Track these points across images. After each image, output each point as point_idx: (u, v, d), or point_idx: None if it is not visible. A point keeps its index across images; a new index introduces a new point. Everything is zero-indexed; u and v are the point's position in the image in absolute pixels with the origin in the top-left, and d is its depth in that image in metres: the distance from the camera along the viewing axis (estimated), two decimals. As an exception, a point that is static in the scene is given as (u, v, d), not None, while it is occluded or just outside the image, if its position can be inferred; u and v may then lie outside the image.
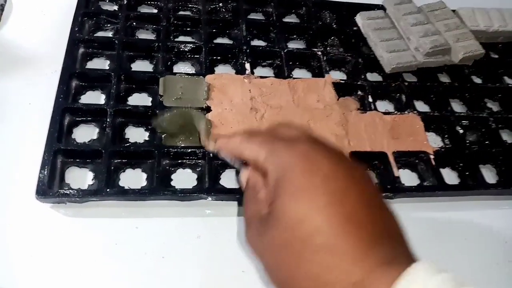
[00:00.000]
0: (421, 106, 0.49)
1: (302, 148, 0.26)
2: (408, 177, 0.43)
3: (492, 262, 0.39)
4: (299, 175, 0.25)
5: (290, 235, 0.24)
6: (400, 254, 0.24)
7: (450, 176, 0.43)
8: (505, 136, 0.48)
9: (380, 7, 0.55)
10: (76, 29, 0.45)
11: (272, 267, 0.26)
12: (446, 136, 0.47)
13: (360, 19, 0.53)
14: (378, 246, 0.23)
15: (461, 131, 0.46)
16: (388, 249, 0.23)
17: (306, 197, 0.24)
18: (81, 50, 0.44)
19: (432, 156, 0.43)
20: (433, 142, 0.45)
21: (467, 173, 0.43)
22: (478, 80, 0.53)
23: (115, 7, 0.50)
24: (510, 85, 0.53)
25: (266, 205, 0.27)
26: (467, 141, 0.46)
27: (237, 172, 0.39)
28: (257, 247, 0.27)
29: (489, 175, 0.44)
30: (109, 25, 0.48)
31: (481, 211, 0.42)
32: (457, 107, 0.50)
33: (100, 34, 0.47)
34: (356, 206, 0.24)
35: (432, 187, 0.41)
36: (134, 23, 0.48)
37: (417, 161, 0.44)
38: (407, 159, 0.43)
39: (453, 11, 0.54)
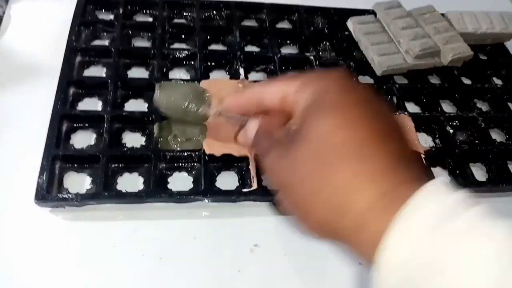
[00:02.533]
0: (412, 107, 0.50)
1: (337, 74, 0.26)
2: (400, 177, 0.43)
3: (483, 258, 0.40)
4: (335, 95, 0.25)
5: (320, 145, 0.23)
6: (424, 176, 0.23)
7: (441, 175, 0.44)
8: (495, 135, 0.49)
9: (371, 12, 0.56)
10: (73, 38, 0.46)
11: (295, 182, 0.24)
12: (436, 136, 0.48)
13: (351, 24, 0.54)
14: (406, 164, 0.23)
15: (451, 131, 0.47)
16: (414, 169, 0.23)
17: (340, 113, 0.24)
18: (78, 58, 0.46)
19: (423, 156, 0.44)
20: (424, 142, 0.46)
21: (458, 171, 0.44)
22: (467, 81, 0.54)
23: (111, 16, 0.51)
24: (498, 86, 0.54)
25: (286, 137, 0.26)
26: (457, 141, 0.46)
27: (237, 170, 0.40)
28: (280, 167, 0.26)
29: (479, 173, 0.45)
30: (105, 33, 0.49)
31: (472, 209, 0.43)
32: (447, 107, 0.51)
33: (96, 42, 0.48)
34: (386, 126, 0.24)
35: (423, 186, 0.42)
36: (130, 31, 0.49)
37: (408, 161, 0.44)
38: (398, 159, 0.44)
39: (442, 14, 0.56)
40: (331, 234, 0.24)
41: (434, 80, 0.53)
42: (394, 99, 0.49)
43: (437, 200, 0.21)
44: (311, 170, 0.24)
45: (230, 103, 0.31)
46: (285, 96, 0.27)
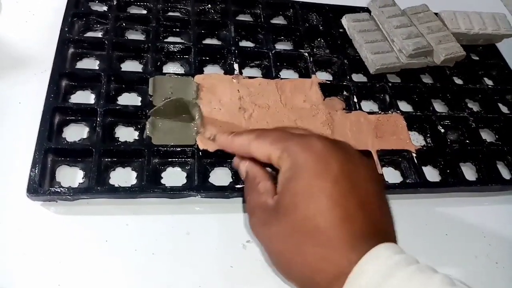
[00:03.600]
0: (404, 106, 0.50)
1: (316, 147, 0.29)
2: (391, 175, 0.44)
3: (471, 255, 0.41)
4: (311, 178, 0.28)
5: (295, 229, 0.27)
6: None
7: (431, 174, 0.45)
8: (485, 135, 0.50)
9: (365, 10, 0.56)
10: (66, 29, 0.45)
11: (276, 252, 0.29)
12: (428, 135, 0.48)
13: (345, 21, 0.54)
14: (369, 241, 0.26)
15: (442, 130, 0.47)
16: (374, 240, 0.26)
17: (314, 199, 0.27)
18: (71, 50, 0.45)
19: (414, 155, 0.44)
20: (416, 141, 0.47)
21: (448, 170, 0.45)
22: (459, 81, 0.55)
23: (105, 8, 0.50)
24: (489, 86, 0.54)
25: (269, 196, 0.30)
26: (448, 140, 0.47)
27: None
28: (261, 234, 0.30)
29: (469, 172, 0.46)
30: (98, 25, 0.48)
31: (461, 207, 0.44)
32: (439, 107, 0.51)
33: (90, 34, 0.48)
34: (354, 208, 0.27)
35: (414, 184, 0.43)
36: (124, 24, 0.49)
37: (400, 159, 0.45)
38: (390, 157, 0.45)
39: (436, 14, 0.56)
40: None
41: (427, 79, 0.54)
42: (387, 97, 0.49)
43: (376, 263, 0.25)
44: (287, 248, 0.28)
45: (222, 143, 0.35)
46: (269, 158, 0.30)
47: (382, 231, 0.28)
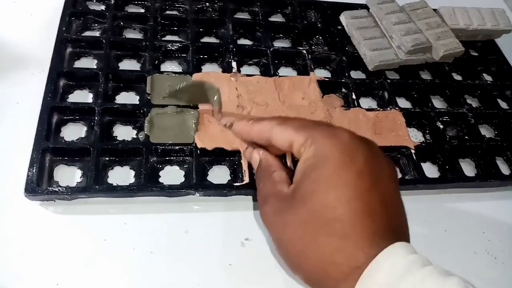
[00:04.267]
0: (403, 103, 0.50)
1: (342, 138, 0.28)
2: (390, 172, 0.44)
3: (470, 251, 0.40)
4: (335, 167, 0.27)
5: (313, 217, 0.26)
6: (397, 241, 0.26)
7: (430, 170, 0.45)
8: (484, 131, 0.50)
9: (364, 7, 0.56)
10: (64, 28, 0.45)
11: (287, 242, 0.28)
12: (427, 131, 0.48)
13: (344, 18, 0.54)
14: (386, 239, 0.25)
15: (441, 126, 0.47)
16: (391, 238, 0.26)
17: (336, 189, 0.26)
18: (69, 49, 0.45)
19: (413, 151, 0.44)
20: (415, 137, 0.47)
21: (447, 166, 0.45)
22: (458, 77, 0.55)
23: (103, 7, 0.50)
24: (489, 82, 0.54)
25: (285, 185, 0.29)
26: (447, 136, 0.47)
27: (228, 166, 0.40)
28: (274, 223, 0.29)
29: (468, 168, 0.46)
30: (96, 24, 0.48)
31: (460, 203, 0.43)
32: (438, 103, 0.51)
33: (87, 33, 0.48)
34: (376, 203, 0.26)
35: (413, 180, 0.43)
36: (122, 23, 0.49)
37: (399, 155, 0.45)
38: (389, 153, 0.45)
39: (434, 10, 0.56)
40: None
41: (425, 75, 0.54)
42: (386, 94, 0.49)
43: (392, 261, 0.24)
44: (301, 237, 0.27)
45: (240, 129, 0.34)
46: (291, 145, 0.30)
47: (399, 230, 0.27)
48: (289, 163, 0.37)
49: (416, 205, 0.42)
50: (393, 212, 0.27)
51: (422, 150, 0.45)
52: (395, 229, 0.27)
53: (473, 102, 0.53)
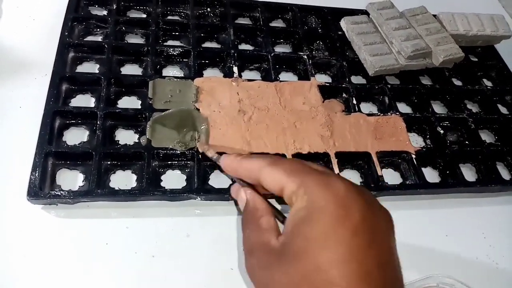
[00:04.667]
0: (404, 108, 0.50)
1: (337, 189, 0.26)
2: (391, 176, 0.44)
3: (472, 256, 0.40)
4: (329, 223, 0.24)
5: (304, 280, 0.24)
6: None
7: (431, 175, 0.45)
8: (484, 136, 0.50)
9: (364, 12, 0.56)
10: (66, 33, 0.45)
11: None
12: (427, 136, 0.48)
13: (344, 23, 0.54)
14: None
15: (441, 131, 0.48)
16: None
17: (329, 248, 0.24)
18: (71, 54, 0.45)
19: (414, 156, 0.44)
20: (415, 142, 0.47)
21: (448, 171, 0.45)
22: (458, 82, 0.55)
23: (105, 12, 0.50)
24: (488, 87, 0.55)
25: (273, 235, 0.27)
26: (447, 141, 0.47)
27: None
28: (261, 278, 0.26)
29: (468, 173, 0.46)
30: (98, 29, 0.48)
31: (461, 208, 0.44)
32: (438, 108, 0.51)
33: (89, 38, 0.48)
34: (373, 266, 0.24)
35: (414, 185, 0.43)
36: (124, 28, 0.49)
37: (399, 160, 0.45)
38: (390, 158, 0.45)
39: (434, 15, 0.56)
40: None
41: (426, 81, 0.54)
42: (386, 99, 0.50)
43: None
44: None
45: (227, 165, 0.31)
46: (282, 190, 0.27)
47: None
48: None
49: (417, 210, 0.43)
50: (389, 275, 0.25)
51: (422, 155, 0.45)
52: None
53: (473, 107, 0.53)
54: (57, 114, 0.40)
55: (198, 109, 0.42)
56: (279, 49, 0.52)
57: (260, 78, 0.48)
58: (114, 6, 0.50)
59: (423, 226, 0.42)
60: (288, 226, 0.26)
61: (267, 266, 0.26)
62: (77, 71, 0.45)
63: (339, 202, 0.25)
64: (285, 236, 0.26)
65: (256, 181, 0.29)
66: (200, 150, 0.39)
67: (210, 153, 0.36)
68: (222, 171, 0.34)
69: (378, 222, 0.26)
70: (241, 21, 0.55)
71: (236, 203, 0.37)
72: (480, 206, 0.44)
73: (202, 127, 0.41)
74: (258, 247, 0.27)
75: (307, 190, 0.26)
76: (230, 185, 0.34)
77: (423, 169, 0.44)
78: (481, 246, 0.41)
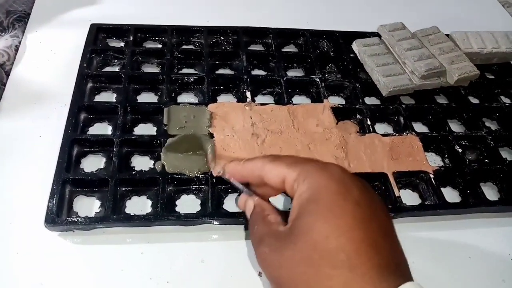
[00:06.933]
0: (420, 127, 0.50)
1: (335, 171, 0.28)
2: (409, 197, 0.43)
3: (498, 279, 0.39)
4: (331, 197, 0.26)
5: (313, 250, 0.25)
6: (406, 281, 0.25)
7: (451, 195, 0.44)
8: (505, 154, 0.48)
9: (375, 35, 0.57)
10: (85, 65, 0.47)
11: (288, 279, 0.26)
12: (445, 155, 0.47)
13: (356, 46, 0.55)
14: (392, 272, 0.24)
15: (460, 150, 0.46)
16: (398, 275, 0.24)
17: (335, 218, 0.25)
18: (90, 84, 0.47)
19: (432, 176, 0.43)
20: (433, 161, 0.46)
21: (468, 191, 0.44)
22: (475, 100, 0.54)
23: (122, 44, 0.52)
24: (507, 104, 0.53)
25: (281, 225, 0.28)
26: (466, 160, 0.46)
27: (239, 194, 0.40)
28: (272, 261, 0.27)
29: (490, 192, 0.44)
30: (116, 60, 0.50)
31: (484, 229, 0.42)
32: (455, 127, 0.50)
33: (107, 69, 0.50)
34: (378, 234, 0.25)
35: (433, 205, 0.42)
36: (140, 58, 0.51)
37: (417, 181, 0.44)
38: (407, 179, 0.44)
39: (447, 35, 0.56)
40: None
41: (441, 100, 0.53)
42: (401, 119, 0.49)
43: None
44: (304, 273, 0.25)
45: (231, 170, 0.33)
46: (284, 181, 0.29)
47: (404, 266, 0.26)
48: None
49: (438, 231, 0.41)
50: (394, 246, 0.26)
51: (441, 174, 0.44)
52: (398, 264, 0.26)
53: (492, 125, 0.52)
54: (75, 142, 0.41)
55: (212, 134, 0.43)
56: (291, 73, 0.53)
57: (273, 102, 0.49)
58: (131, 38, 0.52)
59: (444, 248, 0.40)
60: (293, 212, 0.27)
61: (277, 248, 0.27)
62: (95, 100, 0.46)
63: (339, 181, 0.27)
64: (291, 221, 0.27)
65: (260, 178, 0.31)
66: (209, 169, 0.40)
67: (218, 168, 0.37)
68: (234, 189, 0.37)
69: (375, 198, 0.28)
70: (254, 47, 0.56)
71: (246, 220, 0.37)
72: (505, 226, 0.43)
73: (209, 146, 0.41)
74: (268, 235, 0.28)
75: (308, 175, 0.28)
76: (238, 195, 0.35)
77: (442, 189, 0.43)
78: (508, 268, 0.39)
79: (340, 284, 0.24)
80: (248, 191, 0.33)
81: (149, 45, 0.53)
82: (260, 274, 0.36)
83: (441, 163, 0.47)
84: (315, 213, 0.26)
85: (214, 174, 0.39)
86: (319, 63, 0.53)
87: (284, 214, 0.30)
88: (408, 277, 0.25)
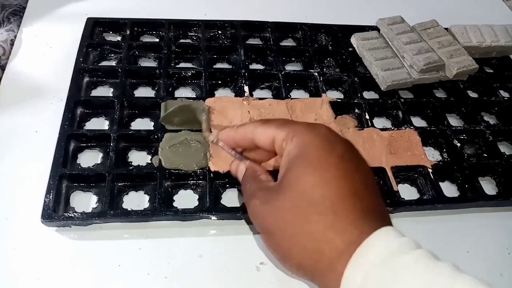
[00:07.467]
0: (418, 122, 0.50)
1: (322, 130, 0.30)
2: (407, 191, 0.43)
3: (496, 273, 0.39)
4: (317, 152, 0.28)
5: (300, 199, 0.27)
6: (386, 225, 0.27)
7: (449, 189, 0.44)
8: (503, 148, 0.48)
9: (374, 28, 0.56)
10: (81, 59, 0.47)
11: (277, 228, 0.28)
12: (444, 150, 0.47)
13: (354, 40, 0.55)
14: (373, 217, 0.27)
15: (458, 144, 0.46)
16: (378, 222, 0.27)
17: (320, 170, 0.28)
18: (86, 79, 0.46)
19: (430, 170, 0.43)
20: (431, 156, 0.46)
21: (467, 185, 0.44)
22: (474, 95, 0.54)
23: (118, 38, 0.52)
24: (505, 98, 0.53)
25: (271, 182, 0.31)
26: (465, 154, 0.46)
27: (239, 191, 0.40)
28: (262, 211, 0.29)
29: (488, 187, 0.44)
30: (112, 55, 0.50)
31: (482, 223, 0.42)
32: (454, 121, 0.50)
33: (104, 63, 0.49)
34: (360, 185, 0.28)
35: (432, 200, 0.42)
36: (137, 52, 0.50)
37: (416, 175, 0.44)
38: (406, 173, 0.44)
39: (446, 29, 0.56)
40: (308, 275, 0.28)
41: (440, 94, 0.53)
42: (400, 113, 0.49)
43: (386, 240, 0.25)
44: (292, 220, 0.27)
45: (225, 136, 0.35)
46: (274, 140, 0.31)
47: (385, 215, 0.29)
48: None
49: (436, 225, 0.41)
50: (376, 197, 0.29)
51: (439, 169, 0.44)
52: (380, 213, 0.28)
53: (491, 119, 0.52)
54: (72, 137, 0.40)
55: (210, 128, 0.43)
56: (289, 67, 0.53)
57: (272, 97, 0.48)
58: (128, 32, 0.51)
59: (442, 243, 0.40)
60: (283, 167, 0.30)
61: (268, 200, 0.29)
62: (91, 95, 0.46)
63: (323, 138, 0.29)
64: (281, 175, 0.29)
65: (251, 141, 0.33)
66: (204, 138, 0.40)
67: (211, 137, 0.37)
68: (232, 185, 0.38)
69: (358, 155, 0.30)
70: (252, 41, 0.56)
71: (244, 212, 0.37)
72: (503, 220, 0.43)
73: (203, 117, 0.41)
74: (259, 190, 0.30)
75: (296, 133, 0.30)
76: (232, 162, 0.36)
77: (440, 183, 0.43)
78: (506, 262, 0.39)
79: (326, 226, 0.26)
80: (240, 157, 0.35)
81: (146, 39, 0.53)
82: (257, 269, 0.36)
83: (440, 158, 0.46)
84: (303, 167, 0.28)
85: (209, 142, 0.39)
86: (317, 57, 0.53)
87: (274, 175, 0.31)
88: (389, 223, 0.27)
